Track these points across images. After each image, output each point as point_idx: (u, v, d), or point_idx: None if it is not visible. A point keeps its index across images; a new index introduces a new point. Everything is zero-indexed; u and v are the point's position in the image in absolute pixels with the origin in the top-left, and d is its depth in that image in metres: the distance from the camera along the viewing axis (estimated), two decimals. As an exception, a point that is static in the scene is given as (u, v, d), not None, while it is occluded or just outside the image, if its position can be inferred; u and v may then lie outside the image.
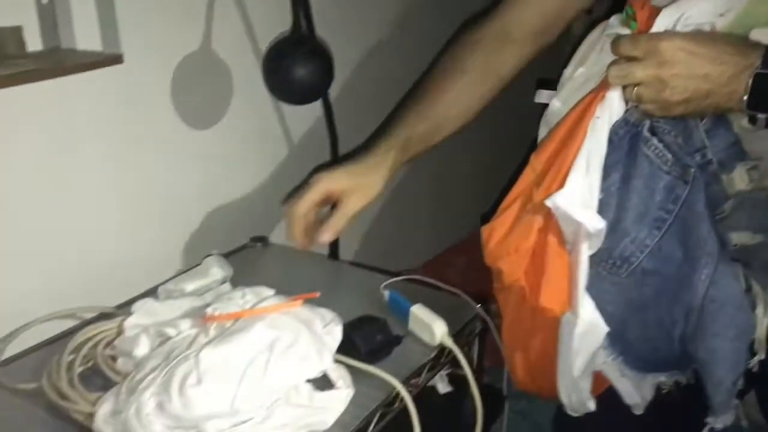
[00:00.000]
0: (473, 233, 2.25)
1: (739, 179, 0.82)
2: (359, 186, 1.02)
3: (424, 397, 1.14)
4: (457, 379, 1.22)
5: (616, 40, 0.82)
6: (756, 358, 0.83)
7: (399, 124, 1.05)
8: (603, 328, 0.87)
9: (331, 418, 0.83)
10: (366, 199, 1.03)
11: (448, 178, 2.10)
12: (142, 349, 0.88)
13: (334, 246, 1.41)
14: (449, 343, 0.98)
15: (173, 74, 1.18)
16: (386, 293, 1.09)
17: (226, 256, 1.30)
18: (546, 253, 0.89)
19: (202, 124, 1.27)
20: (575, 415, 0.97)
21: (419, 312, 1.03)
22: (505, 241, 0.94)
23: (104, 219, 1.14)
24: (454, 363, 1.03)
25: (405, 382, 0.92)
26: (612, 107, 0.84)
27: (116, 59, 0.97)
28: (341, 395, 0.84)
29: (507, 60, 1.06)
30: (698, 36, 0.79)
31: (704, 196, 0.82)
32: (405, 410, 0.90)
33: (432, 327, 1.00)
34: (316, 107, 1.36)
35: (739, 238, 0.81)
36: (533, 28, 1.05)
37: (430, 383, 1.16)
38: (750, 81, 0.75)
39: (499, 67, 1.06)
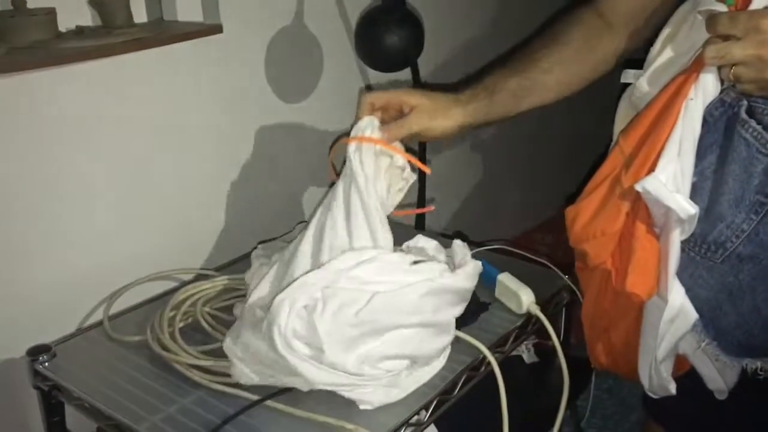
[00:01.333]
0: (561, 212, 2.22)
1: None
2: (433, 109, 0.97)
3: (511, 366, 1.15)
4: (543, 351, 1.22)
5: (713, 18, 0.77)
6: None
7: (491, 76, 1.01)
8: (692, 315, 0.85)
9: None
10: (434, 122, 0.97)
11: (537, 157, 2.07)
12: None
13: (420, 218, 1.42)
14: (536, 311, 0.98)
15: (267, 47, 1.22)
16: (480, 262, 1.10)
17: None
18: (634, 238, 0.86)
19: (293, 97, 1.30)
20: (655, 397, 0.95)
21: (506, 280, 1.03)
22: (591, 223, 0.91)
23: (203, 185, 1.19)
24: (540, 334, 1.03)
25: (491, 347, 0.93)
26: (706, 88, 0.80)
27: (216, 29, 1.01)
28: None
29: (604, 44, 1.02)
30: None
31: None
32: (491, 375, 0.90)
33: (519, 295, 1.00)
34: (404, 80, 1.37)
35: None
36: (627, 15, 1.02)
37: (516, 353, 1.17)
38: None
39: (596, 49, 1.02)
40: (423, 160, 1.40)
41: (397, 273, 0.83)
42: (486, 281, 1.05)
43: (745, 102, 0.80)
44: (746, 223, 0.81)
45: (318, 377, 0.80)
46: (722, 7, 0.80)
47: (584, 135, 2.19)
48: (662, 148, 0.81)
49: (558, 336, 1.12)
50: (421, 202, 1.42)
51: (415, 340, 0.84)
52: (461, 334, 0.93)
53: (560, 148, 2.15)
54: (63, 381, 0.89)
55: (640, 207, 0.86)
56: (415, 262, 0.87)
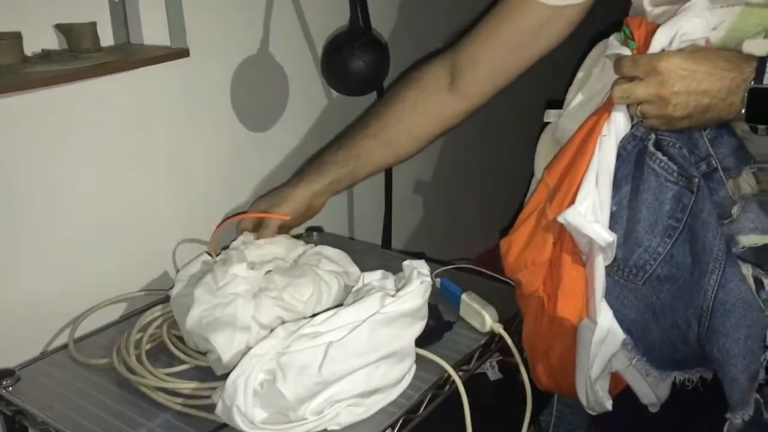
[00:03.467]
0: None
1: (745, 183, 0.85)
2: (293, 210, 1.15)
3: (475, 383, 1.17)
4: (507, 367, 1.24)
5: (618, 61, 0.85)
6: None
7: (338, 149, 1.16)
8: (620, 335, 0.90)
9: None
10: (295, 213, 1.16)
11: (497, 175, 2.11)
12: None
13: (387, 236, 1.44)
14: (499, 329, 1.00)
15: (233, 74, 1.23)
16: (438, 280, 1.12)
17: (283, 244, 1.35)
18: (561, 266, 0.92)
19: (260, 122, 1.31)
20: (593, 413, 0.98)
21: (469, 299, 1.05)
22: (522, 254, 0.97)
23: (170, 205, 1.19)
24: (504, 351, 1.05)
25: (455, 366, 0.94)
26: (618, 124, 0.87)
27: (183, 53, 1.02)
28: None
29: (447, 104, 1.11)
30: (695, 53, 0.82)
31: (710, 203, 0.83)
32: (456, 393, 0.92)
33: (482, 314, 1.02)
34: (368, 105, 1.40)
35: (748, 240, 0.83)
36: (482, 88, 1.09)
37: (481, 370, 1.18)
38: (745, 95, 0.78)
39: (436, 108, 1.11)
40: (389, 181, 1.42)
41: (342, 316, 0.84)
42: (451, 300, 1.08)
43: (653, 136, 0.87)
44: (661, 246, 0.86)
45: None
46: (627, 51, 0.87)
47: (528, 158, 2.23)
48: (581, 182, 0.88)
49: (521, 353, 1.16)
50: (388, 222, 1.44)
51: (378, 373, 0.86)
52: (426, 353, 0.94)
53: (517, 170, 2.19)
54: (27, 405, 0.89)
55: (565, 237, 0.92)
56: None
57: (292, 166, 1.40)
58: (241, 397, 0.79)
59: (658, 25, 0.85)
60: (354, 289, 0.95)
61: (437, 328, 1.00)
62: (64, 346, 1.00)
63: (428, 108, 1.10)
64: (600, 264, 0.88)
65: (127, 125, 1.10)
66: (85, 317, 1.05)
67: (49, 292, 1.04)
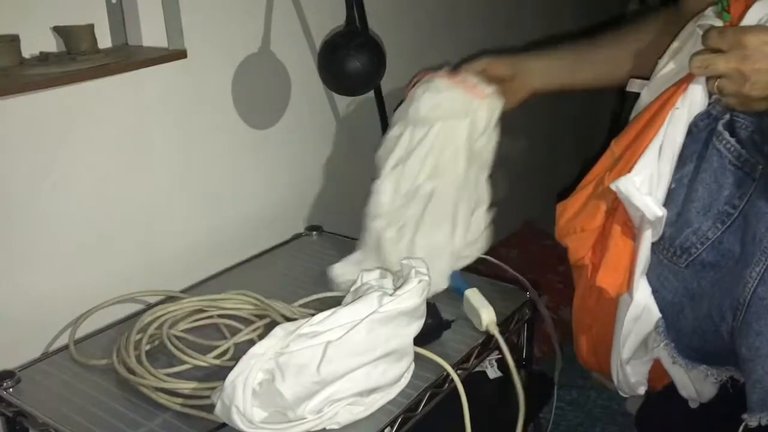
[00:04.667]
0: (525, 228, 2.25)
1: None
2: (519, 72, 1.12)
3: (475, 381, 1.17)
4: (507, 366, 1.24)
5: (707, 32, 0.81)
6: None
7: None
8: (655, 314, 0.88)
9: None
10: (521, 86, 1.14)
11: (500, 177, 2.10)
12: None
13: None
14: (494, 330, 1.01)
15: (234, 73, 1.23)
16: (452, 274, 1.13)
17: (283, 244, 1.36)
18: (610, 236, 0.90)
19: (262, 122, 1.32)
20: (625, 395, 0.97)
21: (472, 296, 1.06)
22: (574, 219, 0.95)
23: (169, 207, 1.20)
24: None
25: (454, 365, 0.95)
26: (693, 99, 0.84)
27: (180, 54, 1.02)
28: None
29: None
30: None
31: None
32: (455, 392, 0.92)
33: (480, 313, 1.02)
34: (369, 104, 1.40)
35: None
36: None
37: (480, 368, 1.19)
38: None
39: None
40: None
41: (340, 315, 0.85)
42: (458, 293, 1.09)
43: (728, 116, 0.84)
44: (711, 231, 0.84)
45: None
46: (719, 23, 0.84)
47: (542, 164, 2.24)
48: (643, 152, 0.85)
49: (520, 352, 1.16)
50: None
51: (377, 372, 0.86)
52: (425, 352, 0.95)
53: (519, 169, 2.19)
54: (28, 407, 0.89)
55: (619, 207, 0.90)
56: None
57: (294, 164, 1.41)
58: (240, 396, 0.79)
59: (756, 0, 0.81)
60: (352, 289, 0.95)
61: (436, 326, 1.00)
62: (65, 347, 1.01)
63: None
64: (647, 239, 0.86)
65: (126, 126, 1.10)
66: (85, 318, 1.05)
67: (50, 294, 1.05)
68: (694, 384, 0.95)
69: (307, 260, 1.28)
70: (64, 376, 0.96)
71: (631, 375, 0.93)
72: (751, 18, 0.81)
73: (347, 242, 1.43)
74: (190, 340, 1.00)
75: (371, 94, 1.31)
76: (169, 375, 0.92)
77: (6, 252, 0.99)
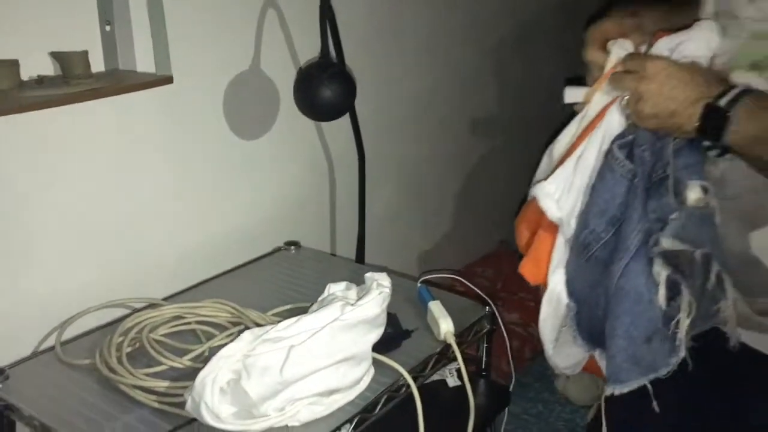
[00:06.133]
0: (500, 248, 2.32)
1: (691, 195, 0.91)
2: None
3: (435, 389, 1.25)
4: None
5: (626, 55, 0.95)
6: (674, 359, 0.93)
7: None
8: (563, 301, 1.01)
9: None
10: None
11: (477, 198, 2.19)
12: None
13: (360, 252, 1.52)
14: (451, 339, 1.09)
15: (224, 92, 1.32)
16: (418, 286, 1.22)
17: (263, 257, 1.44)
18: (538, 232, 1.03)
19: (249, 135, 1.40)
20: (558, 373, 1.13)
21: (434, 308, 1.14)
22: (522, 214, 1.08)
23: (156, 220, 1.28)
24: (464, 360, 1.13)
25: (411, 371, 1.02)
26: (611, 119, 0.96)
27: (167, 80, 1.11)
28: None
29: None
30: (683, 63, 0.90)
31: (641, 202, 0.92)
32: (412, 397, 1.00)
33: (439, 323, 1.10)
34: (347, 128, 1.48)
35: (667, 243, 0.90)
36: None
37: (441, 377, 1.26)
38: (702, 109, 0.86)
39: None
40: (363, 202, 1.51)
41: (304, 322, 0.93)
42: (423, 306, 1.17)
43: (630, 137, 0.94)
44: (604, 232, 0.95)
45: (250, 429, 0.89)
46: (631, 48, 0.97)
47: (518, 187, 2.32)
48: (562, 164, 0.98)
49: (480, 359, 1.24)
50: (361, 238, 1.53)
51: (337, 375, 0.94)
52: (383, 358, 1.02)
53: (496, 190, 2.27)
54: (15, 401, 0.97)
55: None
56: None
57: (275, 182, 1.49)
58: (208, 394, 0.87)
59: (659, 34, 0.94)
60: (320, 299, 1.03)
61: (396, 336, 1.08)
62: (52, 348, 1.08)
63: None
64: (560, 237, 0.99)
65: (117, 144, 1.18)
66: (71, 322, 1.13)
67: (39, 298, 1.13)
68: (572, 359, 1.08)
69: (284, 273, 1.36)
70: (51, 374, 1.03)
71: (559, 360, 1.06)
72: (659, 48, 0.94)
73: (323, 256, 1.51)
74: (168, 343, 1.07)
75: (347, 118, 1.40)
76: (147, 375, 0.99)
77: (5, 257, 1.07)
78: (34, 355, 1.09)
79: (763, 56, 0.90)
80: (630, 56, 0.94)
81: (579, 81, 1.04)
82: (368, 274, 1.03)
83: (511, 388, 1.28)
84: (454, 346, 1.08)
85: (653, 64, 0.90)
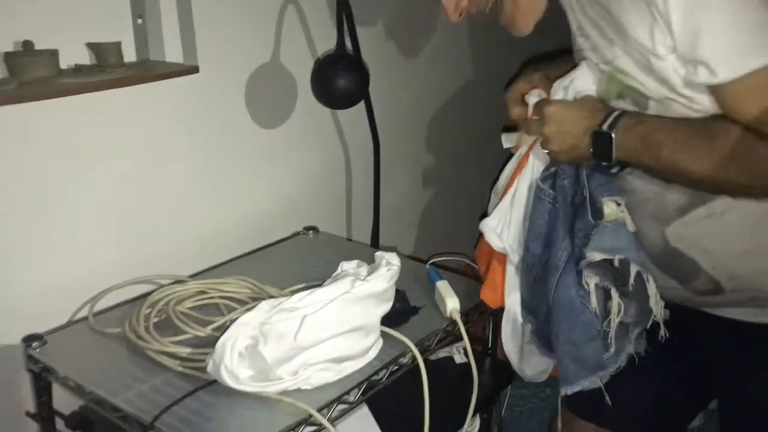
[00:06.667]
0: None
1: (606, 209, 1.04)
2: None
3: (443, 365, 1.32)
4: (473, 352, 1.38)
5: (534, 105, 1.10)
6: (608, 353, 1.07)
7: None
8: (519, 319, 1.17)
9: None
10: None
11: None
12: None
13: (375, 237, 1.59)
14: (456, 316, 1.15)
15: (246, 82, 1.40)
16: (427, 267, 1.29)
17: (282, 241, 1.51)
18: (490, 262, 1.19)
19: (269, 124, 1.48)
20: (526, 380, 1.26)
21: (441, 287, 1.20)
22: (479, 251, 1.24)
23: (181, 202, 1.36)
24: (471, 337, 1.19)
25: (418, 344, 1.09)
26: (537, 158, 1.12)
27: (193, 69, 1.19)
28: None
29: None
30: (572, 102, 1.05)
31: (567, 223, 1.06)
32: (418, 369, 1.06)
33: (446, 301, 1.16)
34: (363, 116, 1.55)
35: (591, 255, 1.03)
36: None
37: (449, 354, 1.33)
38: (591, 137, 1.01)
39: None
40: (378, 189, 1.58)
41: (317, 294, 0.99)
42: (431, 286, 1.24)
43: (553, 169, 1.09)
44: (541, 253, 1.09)
45: (266, 390, 0.96)
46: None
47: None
48: (500, 201, 1.15)
49: (486, 338, 1.30)
50: (376, 223, 1.60)
51: (347, 344, 1.01)
52: (391, 331, 1.09)
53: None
54: (52, 363, 1.05)
55: None
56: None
57: (295, 169, 1.56)
58: (228, 357, 0.94)
59: (558, 78, 1.08)
60: (333, 275, 1.10)
61: (404, 311, 1.15)
62: (85, 318, 1.17)
63: None
64: (509, 263, 1.15)
65: (146, 130, 1.26)
66: (104, 295, 1.21)
67: (75, 274, 1.21)
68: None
69: (302, 255, 1.44)
70: (83, 341, 1.11)
71: (528, 370, 1.23)
72: (555, 88, 1.09)
73: (340, 241, 1.58)
74: (192, 315, 1.14)
75: (363, 110, 1.47)
76: (172, 342, 1.07)
77: (41, 236, 1.16)
78: (69, 324, 1.17)
79: (622, 88, 1.02)
80: (535, 105, 1.09)
81: (513, 128, 1.20)
82: (378, 253, 1.10)
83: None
84: (460, 323, 1.15)
85: (549, 109, 1.05)
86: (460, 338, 1.18)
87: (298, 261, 1.40)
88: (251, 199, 1.50)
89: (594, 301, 1.04)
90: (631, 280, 1.04)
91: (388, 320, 1.09)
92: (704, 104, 0.94)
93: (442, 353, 1.34)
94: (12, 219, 1.12)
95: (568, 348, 1.07)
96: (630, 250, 1.05)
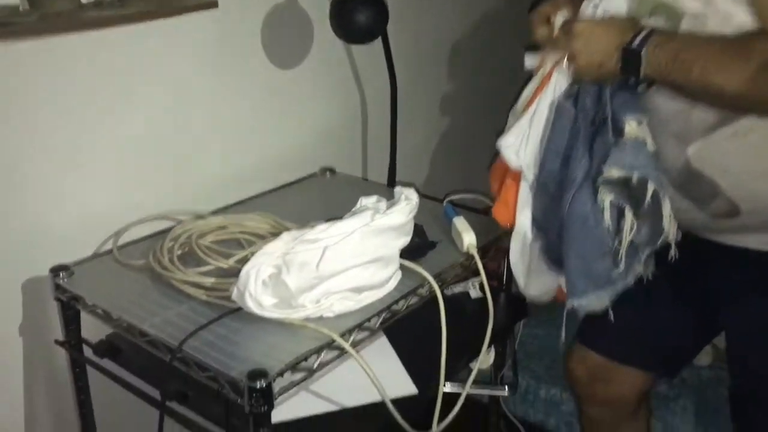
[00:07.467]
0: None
1: (628, 128, 1.05)
2: None
3: (459, 300, 1.34)
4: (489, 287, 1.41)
5: (561, 23, 1.11)
6: (617, 270, 1.10)
7: None
8: (529, 236, 1.19)
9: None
10: None
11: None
12: None
13: (392, 177, 1.60)
14: (473, 250, 1.17)
15: (262, 21, 1.40)
16: (444, 204, 1.31)
17: (299, 182, 1.53)
18: (504, 178, 1.21)
19: (285, 65, 1.48)
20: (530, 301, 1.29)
21: (458, 223, 1.22)
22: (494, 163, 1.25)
23: (203, 141, 1.37)
24: (486, 273, 1.21)
25: (435, 277, 1.11)
26: (559, 78, 1.12)
27: (212, 4, 1.19)
28: None
29: None
30: (601, 20, 1.06)
31: (585, 140, 1.08)
32: (436, 301, 1.08)
33: (462, 237, 1.18)
34: (380, 54, 1.55)
35: (609, 172, 1.04)
36: None
37: (464, 289, 1.35)
38: (620, 53, 1.01)
39: None
40: (395, 128, 1.59)
41: (338, 226, 1.01)
42: (448, 222, 1.26)
43: (576, 88, 1.10)
44: (559, 171, 1.11)
45: (290, 317, 0.99)
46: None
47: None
48: (520, 119, 1.16)
49: (501, 274, 1.32)
50: (393, 162, 1.61)
51: (367, 274, 1.03)
52: (410, 264, 1.11)
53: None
54: (80, 292, 1.08)
55: None
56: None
57: (312, 110, 1.57)
58: (252, 284, 0.97)
59: None
60: (353, 210, 1.12)
61: (422, 245, 1.17)
62: (109, 251, 1.20)
63: None
64: (524, 181, 1.17)
65: (168, 66, 1.27)
66: (127, 229, 1.24)
67: (100, 208, 1.23)
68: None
69: (320, 194, 1.46)
70: (109, 272, 1.14)
71: (532, 290, 1.25)
72: (583, 8, 1.09)
73: (357, 181, 1.60)
74: (214, 248, 1.17)
75: (381, 51, 1.47)
76: (196, 273, 1.09)
77: (70, 170, 1.18)
78: (94, 257, 1.20)
79: (654, 6, 1.04)
80: (563, 23, 1.11)
81: (536, 47, 1.19)
82: (397, 188, 1.12)
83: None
84: (476, 257, 1.17)
85: (578, 25, 1.06)
86: (476, 273, 1.20)
87: (315, 200, 1.42)
88: (268, 141, 1.51)
89: (607, 218, 1.06)
90: (648, 198, 1.05)
91: (406, 254, 1.11)
92: (741, 19, 0.95)
93: (457, 288, 1.36)
94: (38, 154, 1.13)
95: (578, 262, 1.10)
96: (648, 168, 1.05)
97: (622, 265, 1.09)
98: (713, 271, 1.22)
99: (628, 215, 1.06)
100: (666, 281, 1.20)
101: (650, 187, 1.05)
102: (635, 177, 1.04)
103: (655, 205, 1.07)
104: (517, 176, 1.18)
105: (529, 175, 1.16)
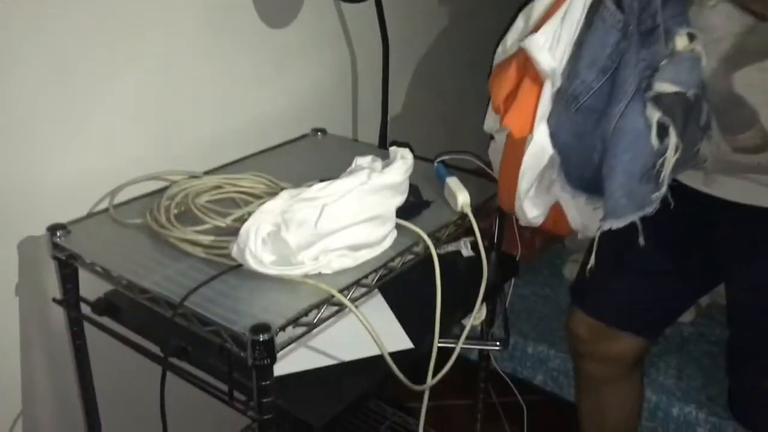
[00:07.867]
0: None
1: (680, 41, 0.98)
2: None
3: (451, 259, 1.36)
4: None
5: None
6: (657, 194, 1.02)
7: None
8: (548, 151, 1.07)
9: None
10: None
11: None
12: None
13: (383, 138, 1.61)
14: (467, 209, 1.19)
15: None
16: (435, 164, 1.31)
17: (290, 142, 1.54)
18: (521, 87, 1.08)
19: (276, 24, 1.47)
20: (523, 224, 1.19)
21: (452, 183, 1.24)
22: (496, 75, 1.14)
23: (196, 102, 1.37)
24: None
25: (430, 235, 1.13)
26: None
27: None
28: None
29: None
30: None
31: (636, 49, 0.98)
32: (430, 259, 1.10)
33: (456, 196, 1.20)
34: (371, 13, 1.55)
35: (660, 87, 0.98)
36: None
37: (456, 248, 1.38)
38: None
39: None
40: (386, 88, 1.59)
41: (335, 185, 1.03)
42: (440, 182, 1.27)
43: None
44: (595, 81, 1.02)
45: (290, 273, 1.00)
46: None
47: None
48: (549, 19, 1.04)
49: (493, 234, 1.35)
50: (384, 123, 1.62)
51: (364, 232, 1.05)
52: (406, 223, 1.13)
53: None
54: (78, 250, 1.09)
55: (528, 64, 1.07)
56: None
57: (304, 70, 1.57)
58: (252, 241, 0.98)
59: None
60: (348, 170, 1.13)
61: (417, 204, 1.18)
62: (105, 210, 1.20)
63: None
64: (548, 88, 1.05)
65: (161, 27, 1.26)
66: (123, 188, 1.24)
67: (94, 169, 1.23)
68: (582, 217, 1.16)
69: (312, 155, 1.46)
70: (106, 230, 1.15)
71: (527, 209, 1.14)
72: None
73: (349, 142, 1.61)
74: (211, 207, 1.18)
75: (372, 5, 1.47)
76: (194, 231, 1.10)
77: (66, 127, 1.17)
78: (90, 215, 1.21)
79: None
80: None
81: None
82: (392, 148, 1.13)
83: (517, 258, 1.39)
84: (470, 216, 1.19)
85: None
86: (469, 231, 1.23)
87: (308, 160, 1.43)
88: (258, 101, 1.51)
89: (654, 136, 0.98)
90: (704, 117, 0.99)
91: (401, 213, 1.13)
92: None
93: (450, 247, 1.38)
94: (30, 114, 1.13)
95: (624, 179, 1.01)
96: (701, 87, 0.99)
97: (664, 188, 1.01)
98: (711, 227, 1.21)
99: (673, 135, 0.99)
100: (663, 245, 1.18)
101: (705, 107, 0.99)
102: (691, 94, 0.97)
103: (700, 128, 1.01)
104: (539, 81, 1.05)
105: (558, 81, 1.04)
